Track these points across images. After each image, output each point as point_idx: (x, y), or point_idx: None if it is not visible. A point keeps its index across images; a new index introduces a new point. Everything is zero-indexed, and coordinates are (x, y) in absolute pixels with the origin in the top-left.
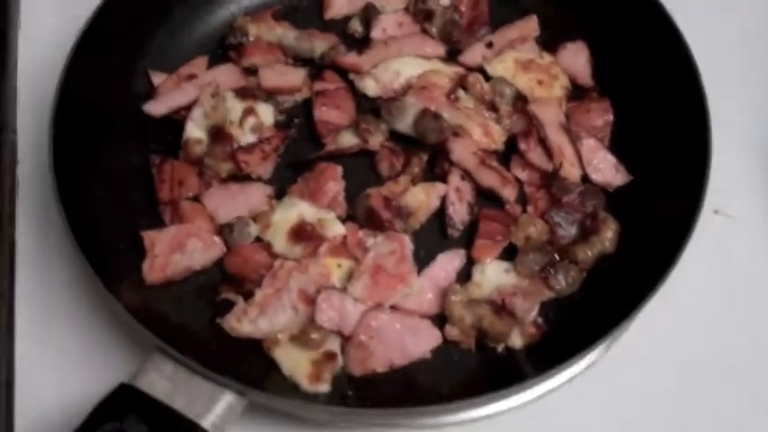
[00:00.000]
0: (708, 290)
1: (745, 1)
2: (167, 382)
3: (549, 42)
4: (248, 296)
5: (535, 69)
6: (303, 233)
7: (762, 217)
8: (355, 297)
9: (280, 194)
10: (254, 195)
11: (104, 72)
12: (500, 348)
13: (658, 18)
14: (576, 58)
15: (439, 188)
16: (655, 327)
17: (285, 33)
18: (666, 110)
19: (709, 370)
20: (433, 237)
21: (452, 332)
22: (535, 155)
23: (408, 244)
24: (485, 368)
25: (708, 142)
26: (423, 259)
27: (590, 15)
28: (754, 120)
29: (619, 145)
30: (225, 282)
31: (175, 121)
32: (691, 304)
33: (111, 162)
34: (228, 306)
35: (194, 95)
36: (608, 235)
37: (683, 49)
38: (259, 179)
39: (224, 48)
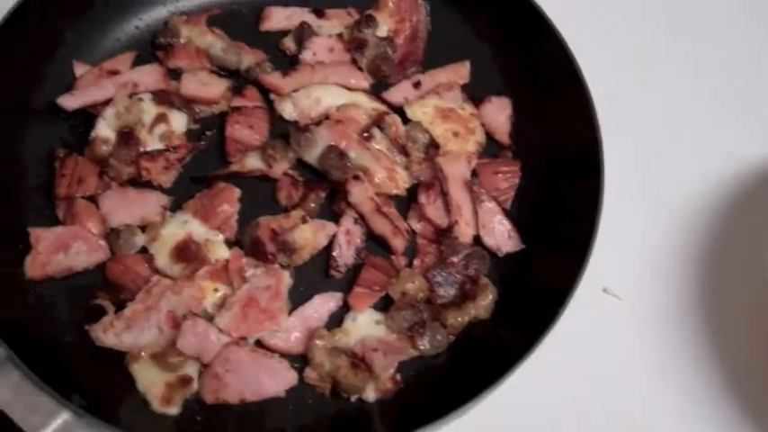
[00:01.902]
0: (590, 366)
1: (656, 82)
2: (10, 390)
3: (475, 93)
4: (121, 306)
5: (454, 120)
6: (187, 252)
7: (649, 300)
8: (221, 327)
9: (175, 207)
10: (150, 204)
11: (25, 57)
12: (353, 398)
13: (577, 90)
14: (499, 113)
15: (329, 228)
16: (519, 402)
17: (214, 42)
18: (566, 183)
19: None
20: (315, 274)
21: (311, 375)
22: (433, 209)
23: (286, 281)
24: (335, 416)
25: (595, 224)
26: (301, 295)
27: (518, 74)
28: (652, 205)
29: (516, 210)
30: (103, 287)
31: (91, 115)
32: (568, 378)
33: (18, 149)
34: (100, 313)
35: (110, 93)
36: (484, 302)
37: (593, 127)
38: (159, 188)
39: (153, 47)
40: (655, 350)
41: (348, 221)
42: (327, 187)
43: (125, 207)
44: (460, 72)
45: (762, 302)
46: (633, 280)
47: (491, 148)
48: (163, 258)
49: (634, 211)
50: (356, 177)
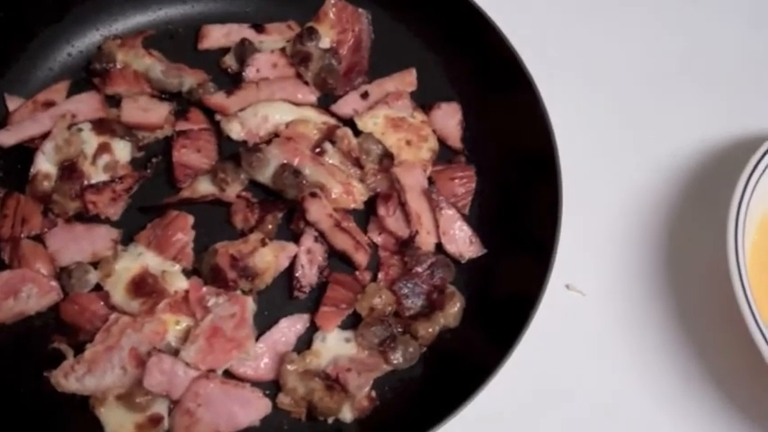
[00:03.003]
0: (554, 362)
1: (610, 83)
2: None
3: (425, 100)
4: (80, 348)
5: (405, 129)
6: (144, 286)
7: (610, 294)
8: (188, 361)
9: (127, 240)
10: (100, 239)
11: None
12: (330, 420)
13: (526, 93)
14: (449, 119)
15: (290, 250)
16: (494, 402)
17: (153, 65)
18: (523, 184)
19: None
20: (278, 297)
21: (284, 401)
22: (393, 220)
23: (250, 307)
24: None
25: (557, 220)
26: (266, 320)
27: (465, 78)
28: (612, 201)
29: (475, 215)
30: (58, 330)
31: (28, 150)
32: (535, 377)
33: None
34: (60, 356)
35: (48, 126)
36: (452, 311)
37: (544, 124)
38: (108, 221)
39: (89, 73)
40: (622, 342)
41: (308, 240)
42: (284, 207)
43: (74, 244)
44: (407, 80)
45: (723, 286)
46: (595, 274)
47: (444, 154)
48: (119, 294)
49: (590, 205)
50: (313, 195)
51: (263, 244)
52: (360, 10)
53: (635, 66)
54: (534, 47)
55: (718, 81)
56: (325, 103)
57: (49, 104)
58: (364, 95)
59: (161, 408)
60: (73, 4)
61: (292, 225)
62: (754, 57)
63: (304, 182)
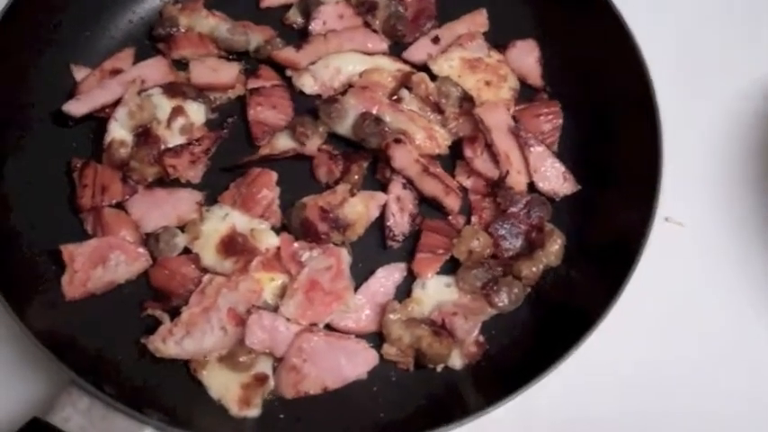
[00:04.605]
0: (660, 300)
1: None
2: (82, 417)
3: (499, 40)
4: (175, 313)
5: (483, 69)
6: (234, 245)
7: (712, 224)
8: (288, 317)
9: (211, 201)
10: (183, 202)
11: (19, 68)
12: (439, 368)
13: (610, 19)
14: (526, 57)
15: (379, 198)
16: (605, 340)
17: (218, 25)
18: (616, 115)
19: (663, 379)
20: (372, 248)
21: (390, 351)
22: (481, 162)
23: (346, 258)
24: (424, 388)
25: (659, 149)
26: (361, 272)
27: (540, 12)
28: (704, 127)
29: (566, 151)
30: (151, 297)
31: (100, 120)
32: (643, 316)
33: (28, 167)
34: (155, 323)
35: (118, 93)
36: (554, 249)
37: (635, 54)
38: (188, 184)
39: (152, 39)
40: (725, 270)
41: (397, 188)
42: (368, 157)
43: (157, 209)
44: (478, 21)
45: None
46: (692, 203)
47: (526, 92)
48: (209, 256)
49: (683, 132)
50: (397, 141)
51: (352, 194)
52: None
53: None
54: None
55: None
56: (396, 52)
57: (117, 72)
58: (435, 40)
59: (265, 366)
60: None
61: (378, 174)
62: None
63: (386, 129)
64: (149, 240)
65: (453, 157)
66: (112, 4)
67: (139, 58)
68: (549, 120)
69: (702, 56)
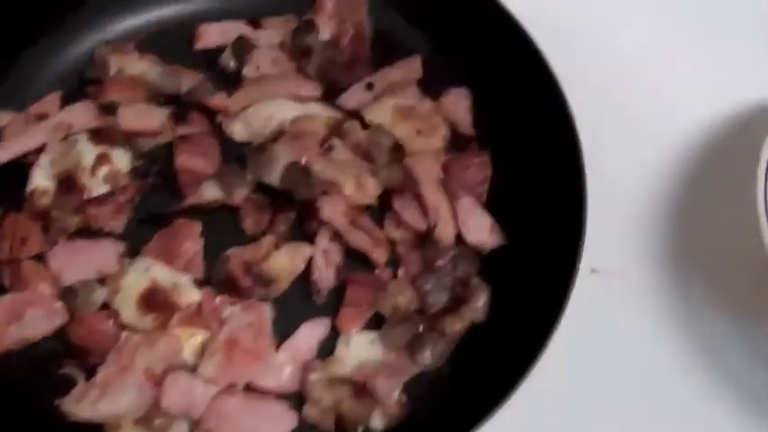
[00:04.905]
0: (587, 352)
1: (623, 56)
2: None
3: (432, 87)
4: (93, 372)
5: (415, 117)
6: (155, 300)
7: (639, 274)
8: (206, 377)
9: (134, 253)
10: (105, 254)
11: None
12: (360, 430)
13: (538, 68)
14: (458, 105)
15: (304, 251)
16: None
17: (149, 68)
18: (542, 167)
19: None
20: (296, 302)
21: (311, 412)
22: (409, 213)
23: (268, 315)
24: None
25: (583, 199)
26: (285, 327)
27: (473, 60)
28: (630, 175)
29: (494, 203)
30: (68, 353)
31: (22, 167)
32: (567, 369)
33: None
34: (70, 382)
35: (42, 140)
36: (479, 304)
37: (561, 102)
38: (112, 234)
39: (82, 82)
40: (654, 321)
41: (324, 240)
42: (295, 208)
43: (78, 261)
44: (412, 68)
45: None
46: (620, 254)
47: (457, 142)
48: (129, 312)
49: (608, 182)
50: (325, 192)
51: (277, 247)
52: None
53: (654, 34)
54: (542, 21)
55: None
56: (329, 98)
57: (43, 117)
58: (369, 86)
59: (182, 429)
60: (61, 13)
61: (305, 226)
62: None
63: (314, 180)
64: (67, 294)
65: (382, 208)
66: (42, 47)
67: (67, 101)
68: (479, 171)
69: (631, 106)
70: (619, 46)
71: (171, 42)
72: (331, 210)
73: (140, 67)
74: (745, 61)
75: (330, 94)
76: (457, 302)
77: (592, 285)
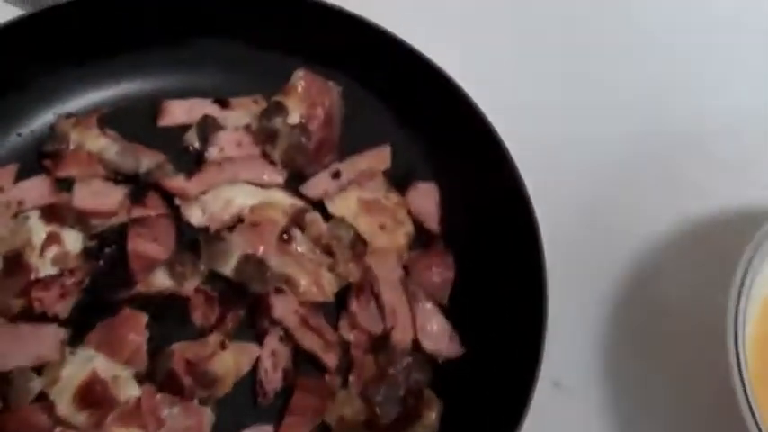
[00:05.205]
0: None
1: (586, 167)
2: None
3: (399, 179)
4: None
5: (379, 211)
6: (93, 394)
7: (600, 389)
8: None
9: (76, 340)
10: (46, 340)
11: None
12: None
13: (504, 170)
14: (426, 199)
15: (251, 352)
16: None
17: (108, 145)
18: (505, 273)
19: None
20: (240, 404)
21: None
22: (366, 316)
23: (208, 419)
24: None
25: (544, 311)
26: (226, 430)
27: (442, 154)
28: (593, 290)
29: (454, 308)
30: None
31: None
32: None
33: None
34: None
35: None
36: (430, 419)
37: (526, 208)
38: (55, 319)
39: (39, 155)
40: None
41: (273, 341)
42: (246, 303)
43: (17, 347)
44: (382, 157)
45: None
46: (583, 369)
47: (421, 237)
48: (65, 405)
49: (575, 292)
50: (278, 290)
51: (223, 347)
52: (330, 83)
53: (625, 139)
54: (511, 121)
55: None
56: (292, 184)
57: None
58: (335, 174)
59: None
60: (23, 83)
61: (255, 323)
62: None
63: (269, 274)
64: (2, 382)
65: (338, 306)
66: (6, 120)
67: (24, 174)
68: (442, 272)
69: (597, 205)
70: (592, 146)
71: (134, 117)
72: (283, 308)
73: (100, 143)
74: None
75: (294, 180)
76: (408, 416)
77: (552, 400)
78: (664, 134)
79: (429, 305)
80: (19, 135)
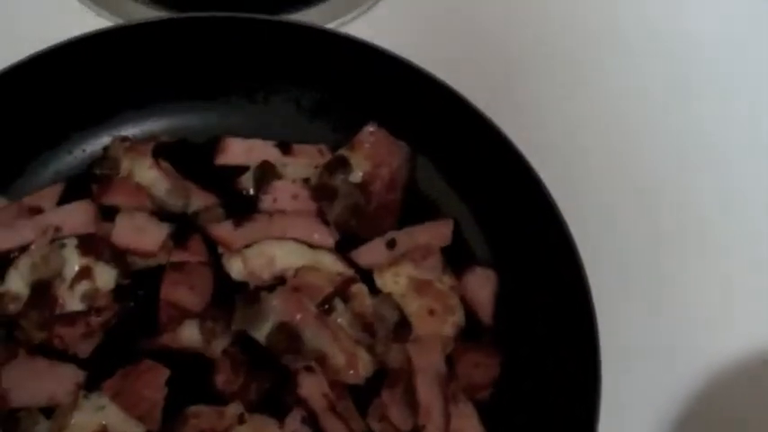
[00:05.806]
0: None
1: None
2: None
3: (455, 260)
4: None
5: (431, 294)
6: None
7: None
8: None
9: (92, 385)
10: (63, 381)
11: None
12: None
13: (573, 277)
14: (482, 288)
15: (270, 430)
16: None
17: (158, 180)
18: (555, 380)
19: None
20: None
21: None
22: (397, 411)
23: None
24: None
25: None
26: None
27: (502, 240)
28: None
29: (494, 412)
30: None
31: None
32: None
33: None
34: None
35: (28, 238)
36: None
37: (588, 319)
38: (74, 357)
39: (88, 177)
40: None
41: (294, 422)
42: (273, 377)
43: (32, 383)
44: (442, 232)
45: None
46: None
47: (469, 328)
48: None
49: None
50: (308, 368)
51: (242, 421)
52: (400, 142)
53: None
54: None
55: None
56: (343, 247)
57: (36, 211)
58: (391, 244)
59: None
60: (86, 96)
61: (280, 397)
62: None
63: (303, 347)
64: (7, 422)
65: (370, 390)
66: (55, 132)
67: (68, 195)
68: (485, 372)
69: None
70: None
71: (192, 151)
72: (311, 388)
73: (150, 175)
74: None
75: (345, 243)
76: None
77: None
78: None
79: (468, 409)
80: (70, 153)
